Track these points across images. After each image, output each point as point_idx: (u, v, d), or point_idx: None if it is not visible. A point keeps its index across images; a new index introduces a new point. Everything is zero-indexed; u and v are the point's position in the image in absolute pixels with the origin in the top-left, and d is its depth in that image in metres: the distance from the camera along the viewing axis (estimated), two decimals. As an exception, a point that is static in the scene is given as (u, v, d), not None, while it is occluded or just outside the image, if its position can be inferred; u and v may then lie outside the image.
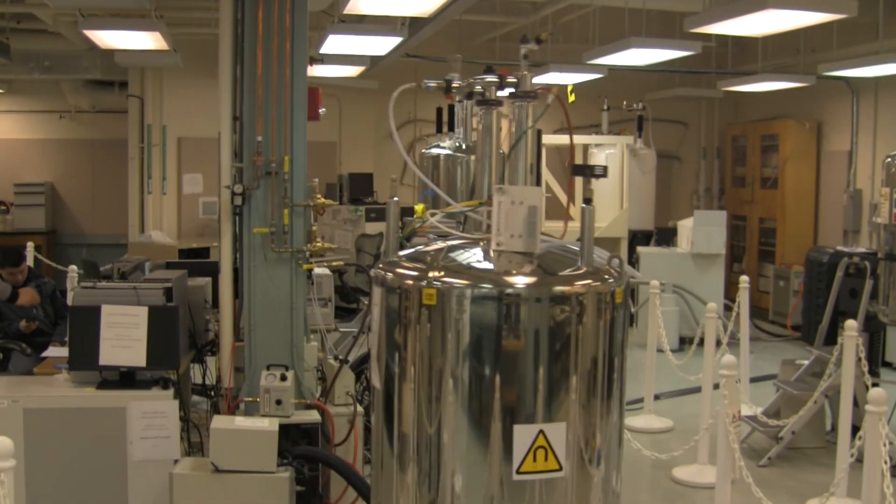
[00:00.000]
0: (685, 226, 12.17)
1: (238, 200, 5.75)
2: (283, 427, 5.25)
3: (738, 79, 12.64)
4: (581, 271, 3.48)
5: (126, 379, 5.47)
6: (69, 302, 5.57)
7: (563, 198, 12.94)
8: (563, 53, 12.70)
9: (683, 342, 11.15)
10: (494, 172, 3.77)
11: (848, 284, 7.77)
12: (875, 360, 7.57)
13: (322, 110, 6.40)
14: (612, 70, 11.65)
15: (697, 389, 8.63)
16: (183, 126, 12.78)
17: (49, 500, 5.27)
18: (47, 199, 14.16)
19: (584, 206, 3.51)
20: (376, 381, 3.70)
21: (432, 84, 3.87)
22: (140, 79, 12.49)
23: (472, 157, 9.70)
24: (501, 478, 3.40)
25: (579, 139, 13.33)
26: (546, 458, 3.37)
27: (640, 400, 8.47)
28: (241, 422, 5.11)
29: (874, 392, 4.75)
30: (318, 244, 6.03)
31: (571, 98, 11.19)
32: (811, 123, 13.65)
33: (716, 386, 7.27)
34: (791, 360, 7.96)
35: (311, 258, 5.93)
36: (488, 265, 3.52)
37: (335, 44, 9.21)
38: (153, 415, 5.31)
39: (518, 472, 3.36)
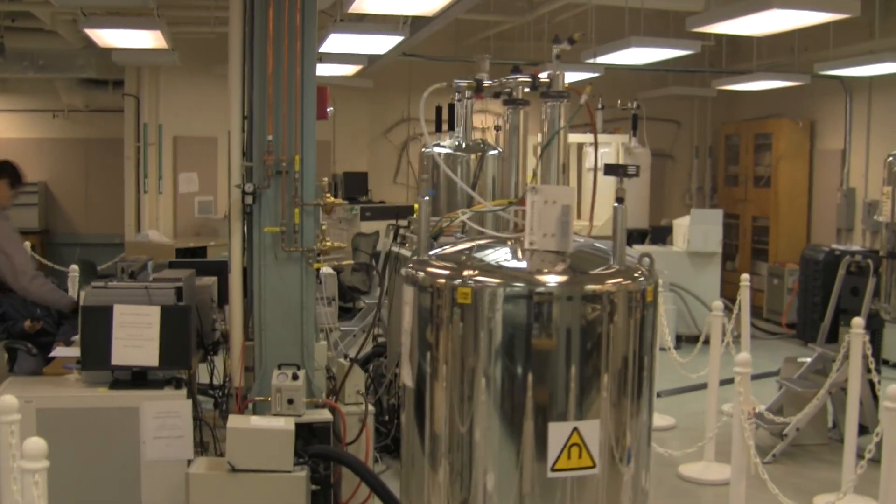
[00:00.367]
0: (681, 224, 12.21)
1: (249, 199, 5.74)
2: (295, 426, 5.25)
3: (732, 77, 12.70)
4: (612, 270, 3.50)
5: (137, 379, 5.45)
6: (80, 302, 5.54)
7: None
8: (560, 52, 12.73)
9: (680, 340, 11.19)
10: (522, 172, 3.78)
11: (849, 283, 7.81)
12: (875, 357, 7.62)
13: (330, 109, 6.40)
14: (608, 69, 11.70)
15: (698, 387, 8.69)
16: (178, 125, 12.77)
17: (62, 500, 5.25)
18: (41, 198, 14.08)
19: (615, 205, 3.53)
20: (408, 380, 3.70)
21: (463, 83, 3.86)
22: (136, 77, 12.46)
23: (472, 157, 9.70)
24: (534, 476, 3.41)
25: (574, 138, 13.36)
26: (580, 456, 3.39)
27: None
28: (256, 421, 5.11)
29: (892, 389, 4.78)
30: (328, 243, 6.04)
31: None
32: (804, 122, 13.71)
33: (721, 383, 7.34)
34: (793, 358, 8.01)
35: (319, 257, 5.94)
36: (520, 264, 3.54)
37: (335, 43, 9.22)
38: (166, 415, 5.30)
39: (553, 470, 3.38)
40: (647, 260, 3.61)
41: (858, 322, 6.32)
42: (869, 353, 6.27)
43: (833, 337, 7.79)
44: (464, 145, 9.67)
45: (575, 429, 3.37)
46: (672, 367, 8.26)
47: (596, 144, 4.28)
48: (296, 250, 5.79)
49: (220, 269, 7.39)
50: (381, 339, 8.72)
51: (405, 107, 15.10)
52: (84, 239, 14.12)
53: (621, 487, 3.57)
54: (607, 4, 11.00)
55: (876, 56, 10.13)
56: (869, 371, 6.57)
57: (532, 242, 3.47)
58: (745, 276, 8.31)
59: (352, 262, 8.29)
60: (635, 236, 13.45)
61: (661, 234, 13.03)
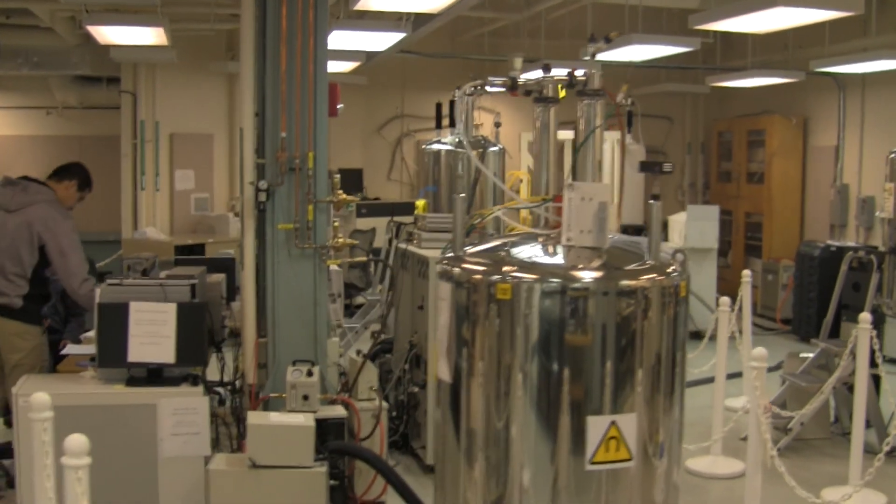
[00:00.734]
0: (677, 220, 12.27)
1: (262, 197, 5.76)
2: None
3: (727, 74, 12.75)
4: (646, 266, 3.54)
5: (153, 376, 5.46)
6: (96, 299, 5.54)
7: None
8: (556, 49, 12.79)
9: (677, 336, 11.22)
10: (552, 169, 3.81)
11: (851, 278, 7.88)
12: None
13: (340, 106, 6.42)
14: (604, 66, 11.71)
15: (700, 382, 8.76)
16: (175, 122, 12.74)
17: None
18: (35, 195, 14.04)
19: (651, 201, 3.57)
20: (445, 376, 3.73)
21: (497, 81, 3.89)
22: (132, 74, 12.42)
23: (474, 153, 9.73)
24: (570, 471, 3.45)
25: (569, 134, 13.39)
26: (618, 449, 3.44)
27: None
28: (276, 417, 5.13)
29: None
30: (341, 240, 6.06)
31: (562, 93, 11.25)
32: (797, 119, 13.79)
33: (728, 377, 7.40)
34: (796, 353, 8.07)
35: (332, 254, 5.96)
36: (556, 260, 3.57)
37: (336, 40, 9.22)
38: (184, 411, 5.31)
39: (591, 463, 3.43)
40: (680, 256, 3.65)
41: (866, 317, 6.38)
42: (877, 348, 6.32)
43: (835, 332, 7.87)
44: (465, 142, 9.69)
45: (613, 422, 3.42)
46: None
47: (623, 142, 4.30)
48: (309, 247, 5.81)
49: (227, 266, 7.43)
50: (383, 336, 8.77)
51: (399, 103, 15.12)
52: (79, 236, 14.05)
53: (654, 481, 3.61)
54: (604, 1, 11.05)
55: (872, 53, 10.20)
56: (874, 366, 6.62)
57: (569, 238, 3.51)
58: (747, 273, 8.36)
59: (365, 258, 8.29)
60: (631, 232, 13.50)
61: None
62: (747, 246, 14.47)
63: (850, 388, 7.35)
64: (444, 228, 7.15)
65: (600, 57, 11.04)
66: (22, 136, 14.51)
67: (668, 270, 3.58)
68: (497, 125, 10.32)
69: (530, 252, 3.63)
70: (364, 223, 12.80)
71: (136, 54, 10.53)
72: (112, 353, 5.39)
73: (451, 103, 9.82)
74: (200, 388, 5.42)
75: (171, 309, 5.41)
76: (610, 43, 3.81)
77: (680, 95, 15.61)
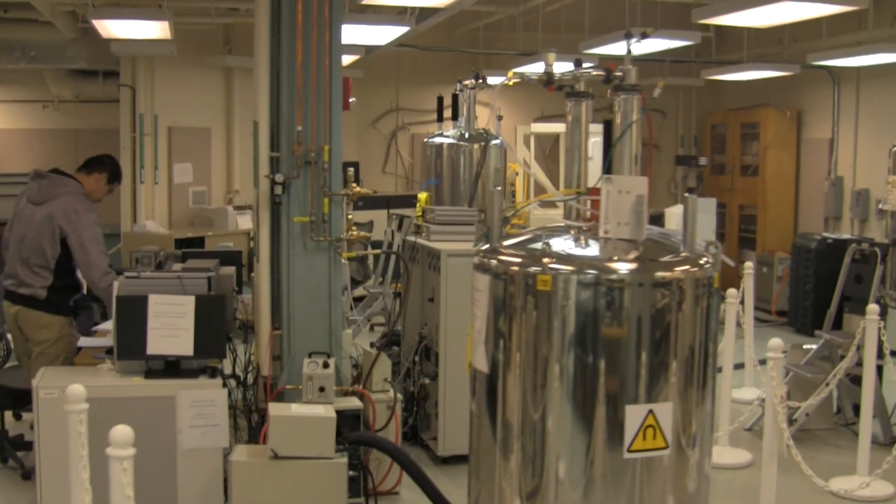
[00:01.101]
0: (673, 212, 12.31)
1: (279, 190, 5.80)
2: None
3: (722, 68, 12.82)
4: (681, 257, 3.60)
5: (170, 368, 5.49)
6: (114, 292, 5.56)
7: (547, 185, 13.03)
8: (552, 43, 12.82)
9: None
10: (584, 163, 3.87)
11: (853, 270, 7.96)
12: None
13: (352, 100, 6.46)
14: (601, 59, 11.78)
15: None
16: (173, 116, 12.73)
17: (99, 489, 5.27)
18: (31, 189, 14.06)
19: (686, 194, 3.63)
20: (483, 367, 3.77)
21: (535, 77, 3.93)
22: (131, 68, 12.41)
23: (476, 146, 9.79)
24: (605, 461, 3.51)
25: (559, 127, 13.43)
26: (655, 437, 3.50)
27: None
28: (297, 409, 5.18)
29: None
30: (354, 233, 6.11)
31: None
32: (791, 112, 13.87)
33: (735, 367, 7.48)
34: (799, 345, 8.15)
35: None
36: (593, 252, 3.63)
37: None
38: (203, 403, 5.34)
39: (629, 451, 3.49)
40: (713, 248, 3.71)
41: (874, 309, 6.47)
42: (885, 339, 6.41)
43: (837, 324, 7.95)
44: (467, 135, 9.75)
45: (650, 411, 3.48)
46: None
47: (651, 137, 4.35)
48: (325, 240, 5.86)
49: (233, 259, 7.46)
50: (393, 328, 8.82)
51: (394, 96, 15.15)
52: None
53: (687, 471, 3.67)
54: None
55: (869, 47, 10.28)
56: (880, 357, 6.70)
57: (607, 231, 3.56)
58: (749, 265, 8.44)
59: (379, 250, 8.33)
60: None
61: (651, 223, 13.11)
62: (741, 238, 14.56)
63: (853, 379, 7.46)
64: (455, 221, 7.20)
65: (607, 52, 11.08)
66: (19, 130, 14.50)
67: (702, 262, 3.64)
68: (499, 118, 10.38)
69: (563, 244, 3.68)
70: (361, 216, 12.82)
71: (137, 48, 10.52)
72: (131, 346, 5.42)
73: (455, 97, 9.87)
74: (219, 381, 5.46)
75: (189, 301, 5.44)
76: (646, 38, 3.82)
77: (673, 89, 15.66)
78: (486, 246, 3.84)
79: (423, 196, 8.79)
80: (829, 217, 13.09)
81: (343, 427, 5.48)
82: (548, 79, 3.85)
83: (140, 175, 12.21)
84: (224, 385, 5.49)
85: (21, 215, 6.31)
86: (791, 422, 7.43)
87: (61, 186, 6.27)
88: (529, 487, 3.64)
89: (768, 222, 13.99)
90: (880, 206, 10.85)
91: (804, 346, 8.06)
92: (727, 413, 7.10)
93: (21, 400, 6.45)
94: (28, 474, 6.32)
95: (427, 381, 6.92)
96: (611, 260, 3.53)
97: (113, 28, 8.96)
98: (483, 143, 9.45)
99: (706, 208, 11.90)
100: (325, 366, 5.62)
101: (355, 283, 12.09)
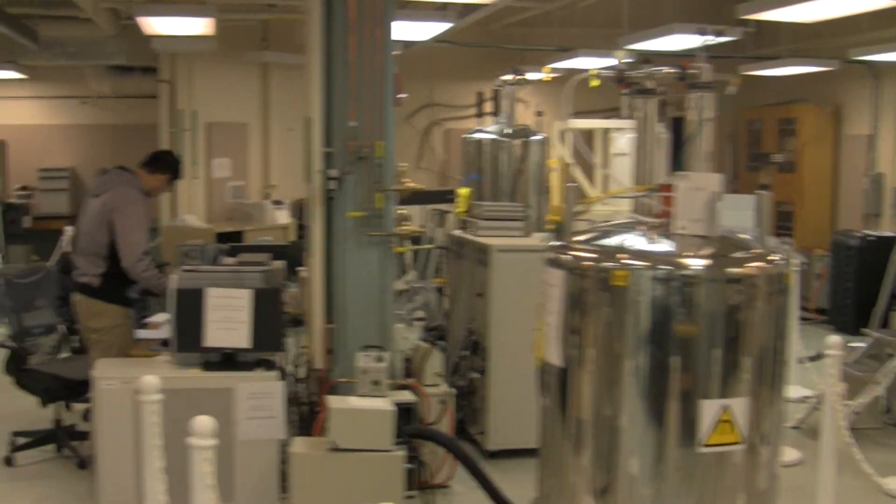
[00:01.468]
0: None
1: (333, 185, 5.84)
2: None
3: (760, 63, 12.75)
4: (754, 253, 3.61)
5: (227, 360, 5.55)
6: (173, 285, 5.62)
7: (583, 182, 13.00)
8: (588, 38, 12.79)
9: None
10: (655, 160, 3.89)
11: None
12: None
13: (404, 95, 6.49)
14: (640, 55, 11.73)
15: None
16: (211, 111, 12.82)
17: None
18: (70, 183, 14.24)
19: (759, 191, 3.64)
20: (557, 361, 3.79)
21: (607, 73, 3.95)
22: (170, 64, 12.50)
23: (517, 142, 9.83)
24: (678, 458, 3.53)
25: (599, 124, 13.41)
26: (730, 432, 3.51)
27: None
28: (356, 402, 5.22)
29: None
30: (407, 227, 6.14)
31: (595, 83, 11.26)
32: (830, 107, 13.78)
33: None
34: (845, 343, 8.10)
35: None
36: (664, 247, 3.65)
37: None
38: (260, 395, 5.40)
39: (704, 446, 3.50)
40: (785, 245, 3.73)
41: (928, 306, 6.45)
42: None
43: (883, 322, 7.92)
44: (509, 131, 9.79)
45: (726, 406, 3.49)
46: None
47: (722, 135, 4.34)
48: (378, 235, 5.89)
49: (283, 253, 7.52)
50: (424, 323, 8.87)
51: (428, 92, 15.18)
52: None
53: (758, 469, 3.69)
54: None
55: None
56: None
57: (683, 227, 3.59)
58: (796, 262, 8.40)
59: (426, 246, 8.36)
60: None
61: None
62: (777, 235, 14.47)
63: (901, 378, 7.43)
64: (503, 216, 7.22)
65: (647, 47, 11.06)
66: (58, 125, 14.65)
67: (775, 259, 3.65)
68: (539, 114, 10.41)
69: (633, 240, 3.70)
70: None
71: (176, 44, 10.60)
72: (188, 338, 5.48)
73: (496, 93, 9.92)
74: (276, 373, 5.51)
75: (246, 295, 5.49)
76: (720, 36, 3.83)
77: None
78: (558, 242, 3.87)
79: (464, 191, 8.80)
80: (869, 214, 12.99)
81: (397, 420, 5.52)
82: (620, 76, 3.86)
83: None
84: (282, 378, 5.54)
85: (84, 209, 6.53)
86: (839, 419, 7.41)
87: (118, 178, 6.42)
88: (602, 483, 3.66)
89: (806, 219, 13.90)
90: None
91: (849, 345, 8.02)
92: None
93: (74, 391, 6.53)
94: (84, 463, 6.40)
95: (476, 375, 6.95)
96: (685, 256, 3.55)
97: (156, 24, 9.03)
98: (524, 139, 9.48)
99: (746, 205, 11.80)
100: (379, 359, 5.65)
101: (392, 277, 12.18)
